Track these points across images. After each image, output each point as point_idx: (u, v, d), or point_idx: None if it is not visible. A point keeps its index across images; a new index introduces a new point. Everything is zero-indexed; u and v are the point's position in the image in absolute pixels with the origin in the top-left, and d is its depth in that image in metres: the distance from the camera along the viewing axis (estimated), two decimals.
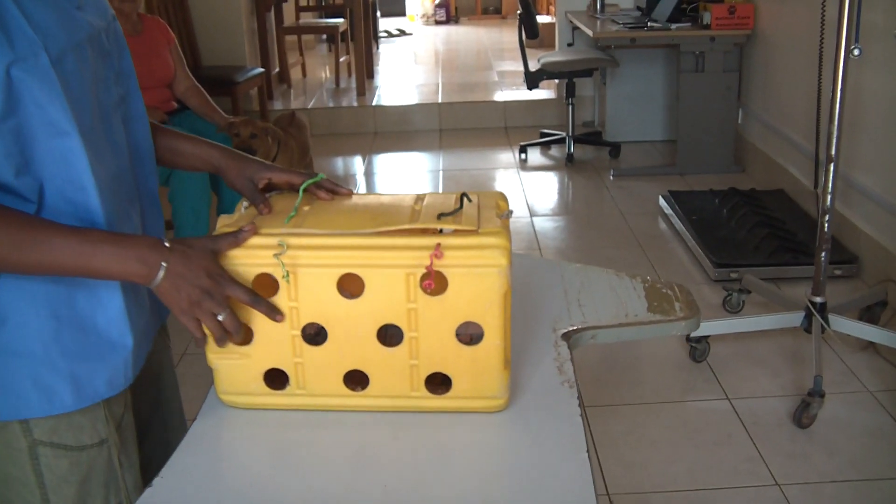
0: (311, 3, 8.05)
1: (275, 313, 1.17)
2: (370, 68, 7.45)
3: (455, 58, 8.90)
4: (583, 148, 5.45)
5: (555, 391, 1.31)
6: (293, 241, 1.17)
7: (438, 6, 11.04)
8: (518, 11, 5.22)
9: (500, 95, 6.58)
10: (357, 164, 5.71)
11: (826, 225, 2.64)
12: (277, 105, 6.73)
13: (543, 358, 1.40)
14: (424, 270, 1.14)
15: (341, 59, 7.34)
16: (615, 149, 5.25)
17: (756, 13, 4.52)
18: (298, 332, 1.21)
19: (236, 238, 1.16)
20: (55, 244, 1.05)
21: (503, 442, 1.22)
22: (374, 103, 6.61)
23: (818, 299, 2.72)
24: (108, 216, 1.13)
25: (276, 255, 1.16)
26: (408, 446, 1.20)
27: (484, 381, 1.21)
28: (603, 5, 5.39)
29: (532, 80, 5.14)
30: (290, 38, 7.61)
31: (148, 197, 1.29)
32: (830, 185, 2.61)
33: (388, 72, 8.01)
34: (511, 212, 1.30)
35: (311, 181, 1.29)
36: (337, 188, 1.31)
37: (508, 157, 5.52)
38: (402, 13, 11.28)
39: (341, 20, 7.27)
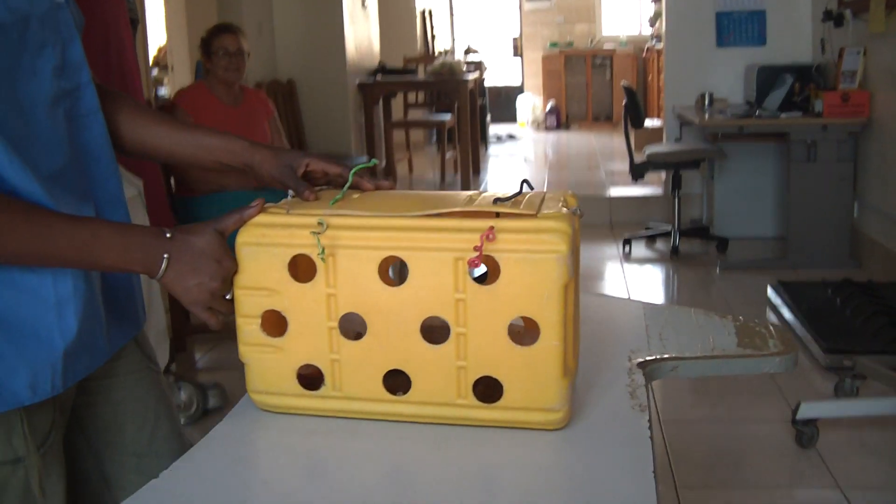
0: (420, 101, 8.20)
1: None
2: (476, 164, 7.48)
3: (564, 159, 8.88)
4: (689, 242, 5.25)
5: (623, 414, 1.15)
6: (334, 220, 1.08)
7: (549, 113, 11.10)
8: (623, 102, 5.15)
9: (607, 192, 6.46)
10: None
11: None
12: None
13: (614, 384, 1.25)
14: (474, 254, 1.03)
15: (447, 155, 7.40)
16: (722, 243, 5.03)
17: (871, 101, 4.32)
18: (336, 324, 1.10)
19: (242, 215, 1.10)
20: (59, 233, 1.00)
21: (559, 463, 1.07)
22: None
23: None
24: (46, 198, 1.03)
25: (313, 233, 1.07)
26: (451, 465, 1.05)
27: (540, 388, 1.07)
28: (711, 100, 5.27)
29: (637, 172, 5.02)
30: (399, 135, 7.74)
31: (106, 199, 1.18)
32: None
33: (496, 169, 8.02)
34: (579, 211, 1.17)
35: (361, 165, 1.20)
36: (380, 183, 1.22)
37: (612, 250, 5.36)
38: (513, 120, 11.39)
39: (448, 116, 7.35)
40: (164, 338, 2.99)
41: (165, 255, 1.06)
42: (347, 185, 1.18)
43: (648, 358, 1.33)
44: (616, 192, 6.39)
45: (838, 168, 4.44)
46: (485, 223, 1.04)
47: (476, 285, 1.05)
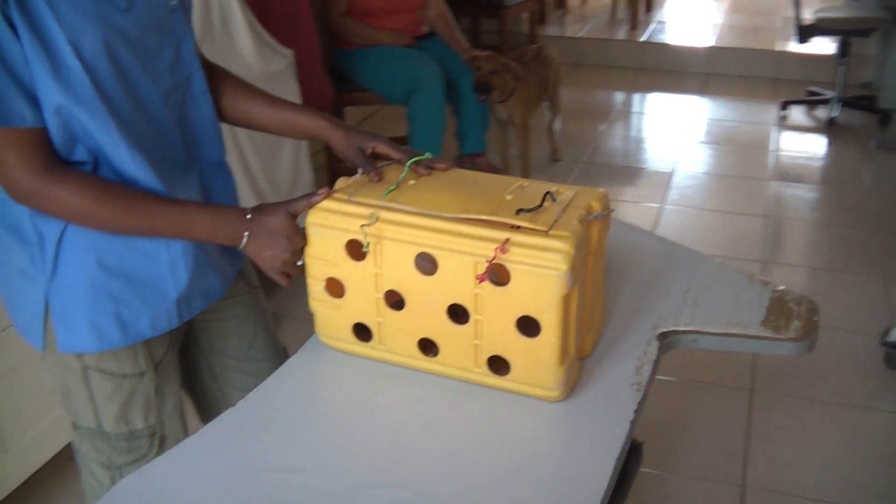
0: None
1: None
2: (650, 0, 7.26)
3: None
4: (851, 112, 5.04)
5: (621, 392, 1.34)
6: (383, 214, 1.29)
7: None
8: None
9: (776, 45, 6.19)
10: (617, 100, 5.66)
11: None
12: (551, 30, 6.76)
13: (630, 354, 1.44)
14: (486, 263, 1.22)
15: None
16: (885, 116, 4.82)
17: None
18: (381, 296, 1.34)
19: (310, 200, 1.33)
20: (160, 214, 1.27)
21: (546, 432, 1.30)
22: (645, 38, 6.46)
23: None
24: (159, 184, 1.29)
25: (362, 226, 1.28)
26: (462, 415, 1.30)
27: (540, 372, 1.28)
28: None
29: (803, 35, 4.80)
30: None
31: (211, 166, 1.44)
32: None
33: (673, 5, 7.73)
34: (602, 214, 1.33)
35: (415, 159, 1.39)
36: (435, 164, 1.41)
37: (770, 112, 5.23)
38: None
39: None
40: None
41: (246, 233, 1.31)
42: (402, 175, 1.38)
43: (670, 329, 1.50)
44: (785, 46, 6.09)
45: None
46: (503, 234, 1.23)
47: (491, 285, 1.25)
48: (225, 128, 1.50)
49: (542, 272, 1.21)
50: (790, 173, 4.39)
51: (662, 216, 3.91)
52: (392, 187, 1.35)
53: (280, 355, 1.66)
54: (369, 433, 1.27)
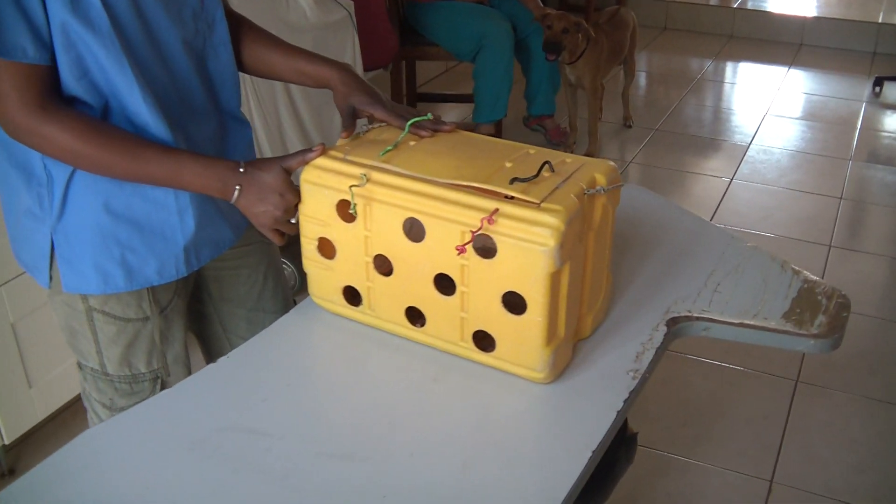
0: None
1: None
2: None
3: None
4: None
5: (615, 379, 1.27)
6: (374, 175, 1.24)
7: None
8: None
9: (879, 15, 5.86)
10: (702, 67, 5.45)
11: None
12: None
13: (634, 338, 1.36)
14: (471, 233, 1.16)
15: None
16: None
17: None
18: (370, 259, 1.29)
19: (305, 156, 1.28)
20: (151, 160, 1.24)
21: (526, 415, 1.24)
22: (739, 4, 6.20)
23: None
24: (170, 132, 1.27)
25: (351, 187, 1.23)
26: (444, 390, 1.26)
27: (526, 351, 1.22)
28: None
29: None
30: None
31: (229, 114, 1.42)
32: None
33: None
34: (605, 189, 1.25)
35: (416, 119, 1.33)
36: (439, 126, 1.35)
37: (863, 87, 4.97)
38: None
39: None
40: None
41: (238, 186, 1.28)
42: (402, 135, 1.32)
43: (682, 314, 1.42)
44: (889, 17, 5.76)
45: None
46: (493, 204, 1.16)
47: (477, 256, 1.19)
48: None
49: (528, 247, 1.14)
50: (877, 154, 4.17)
51: (730, 190, 3.76)
52: (389, 147, 1.30)
53: (289, 309, 1.64)
54: (346, 401, 1.24)
